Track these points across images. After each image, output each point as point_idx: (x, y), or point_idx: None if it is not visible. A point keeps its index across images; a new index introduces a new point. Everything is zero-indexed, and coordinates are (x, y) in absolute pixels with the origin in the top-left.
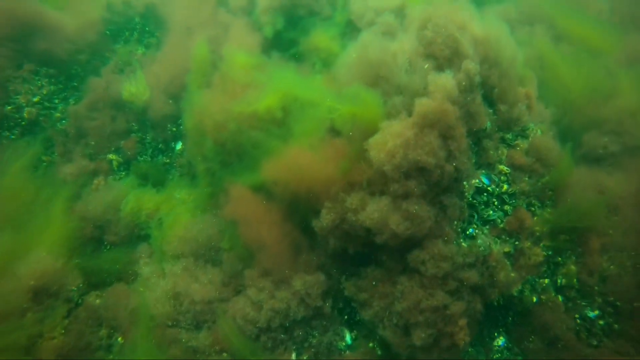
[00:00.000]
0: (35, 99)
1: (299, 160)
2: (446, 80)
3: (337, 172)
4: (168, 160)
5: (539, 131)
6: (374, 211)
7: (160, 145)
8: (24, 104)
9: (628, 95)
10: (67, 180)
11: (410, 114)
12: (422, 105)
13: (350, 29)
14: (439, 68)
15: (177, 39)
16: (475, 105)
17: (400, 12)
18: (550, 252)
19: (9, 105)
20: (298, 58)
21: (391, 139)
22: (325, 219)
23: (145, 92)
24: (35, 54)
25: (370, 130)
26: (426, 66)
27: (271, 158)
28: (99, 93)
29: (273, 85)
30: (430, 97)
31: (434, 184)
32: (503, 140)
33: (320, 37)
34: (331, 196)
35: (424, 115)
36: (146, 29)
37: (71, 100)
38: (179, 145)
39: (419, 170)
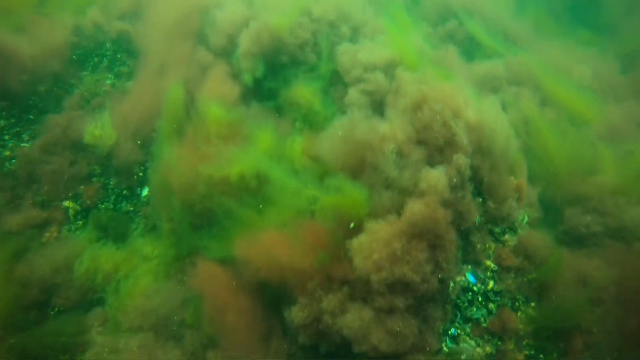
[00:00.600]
0: None
1: (273, 245)
2: (438, 180)
3: (314, 264)
4: (132, 208)
5: (525, 218)
6: (355, 320)
7: (124, 192)
8: None
9: (609, 172)
10: (12, 233)
11: (398, 214)
12: (413, 213)
13: (335, 81)
14: (430, 157)
15: (149, 76)
16: (465, 203)
17: (389, 70)
18: (532, 352)
19: None
20: (279, 110)
21: (377, 249)
22: (297, 316)
23: (110, 137)
24: None
25: (354, 219)
26: (416, 158)
27: (243, 235)
28: (56, 133)
29: (248, 158)
30: (420, 199)
31: (419, 297)
32: (491, 232)
33: (302, 91)
34: (307, 291)
35: (413, 223)
36: (117, 56)
37: (25, 136)
38: (145, 192)
39: (405, 284)
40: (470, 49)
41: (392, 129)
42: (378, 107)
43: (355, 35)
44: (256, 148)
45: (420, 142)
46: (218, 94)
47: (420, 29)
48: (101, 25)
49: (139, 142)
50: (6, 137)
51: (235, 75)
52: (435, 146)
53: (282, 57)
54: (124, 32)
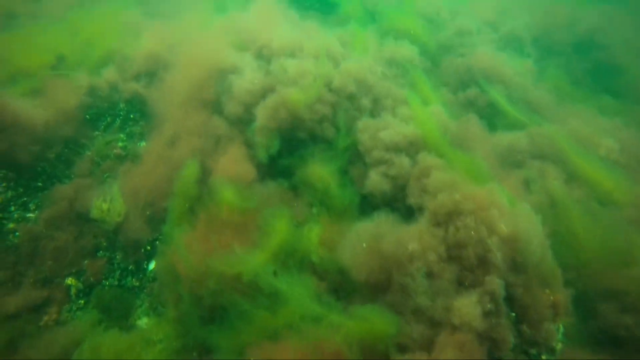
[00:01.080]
0: None
1: None
2: (471, 313)
3: None
4: (138, 284)
5: (561, 328)
6: None
7: (130, 267)
8: None
9: None
10: (9, 316)
11: (428, 350)
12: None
13: (355, 158)
14: (461, 275)
15: (161, 145)
16: (499, 330)
17: (412, 148)
18: None
19: None
20: (295, 188)
21: None
22: None
23: (119, 213)
24: None
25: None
26: (447, 278)
27: (256, 341)
28: (63, 206)
29: (260, 260)
30: (452, 336)
31: None
32: (526, 353)
33: (318, 172)
34: None
35: None
36: (130, 117)
37: (31, 205)
38: (152, 265)
39: None
40: (492, 117)
41: (422, 247)
42: (401, 190)
43: (375, 107)
44: (271, 246)
45: (451, 258)
46: (232, 174)
47: (440, 95)
48: (116, 85)
49: (147, 213)
50: (12, 208)
51: (249, 146)
52: (468, 266)
53: (300, 133)
54: (138, 93)
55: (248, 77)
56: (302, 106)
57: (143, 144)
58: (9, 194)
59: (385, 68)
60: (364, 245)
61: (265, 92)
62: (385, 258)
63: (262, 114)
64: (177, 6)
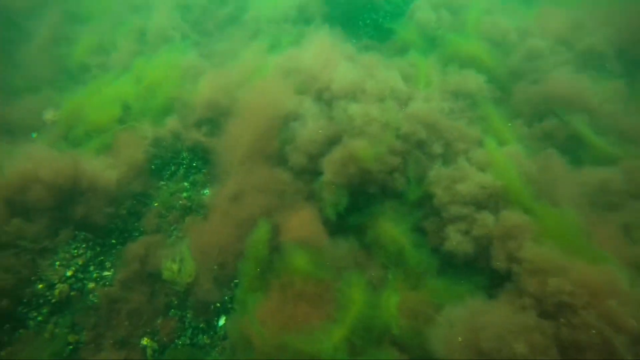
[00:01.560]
0: (69, 273)
1: None
2: None
3: None
4: (209, 341)
5: None
6: None
7: (201, 325)
8: (56, 281)
9: None
10: None
11: None
12: None
13: (428, 209)
14: None
15: (226, 202)
16: None
17: (493, 201)
18: None
19: (41, 283)
20: (367, 247)
21: None
22: None
23: (190, 274)
24: (74, 219)
25: None
26: None
27: None
28: (135, 268)
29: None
30: None
31: None
32: None
33: (390, 232)
34: None
35: None
36: (193, 165)
37: (107, 263)
38: (222, 321)
39: None
40: (575, 150)
41: (530, 347)
42: (484, 251)
43: (447, 151)
44: (348, 321)
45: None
46: (302, 236)
47: (514, 129)
48: (178, 134)
49: (217, 273)
50: (91, 268)
51: (316, 199)
52: None
53: (370, 187)
54: (200, 142)
55: (310, 126)
56: (371, 160)
57: (207, 191)
58: (89, 254)
59: (452, 101)
60: (460, 339)
61: (330, 141)
62: (487, 355)
63: (329, 169)
64: (231, 44)
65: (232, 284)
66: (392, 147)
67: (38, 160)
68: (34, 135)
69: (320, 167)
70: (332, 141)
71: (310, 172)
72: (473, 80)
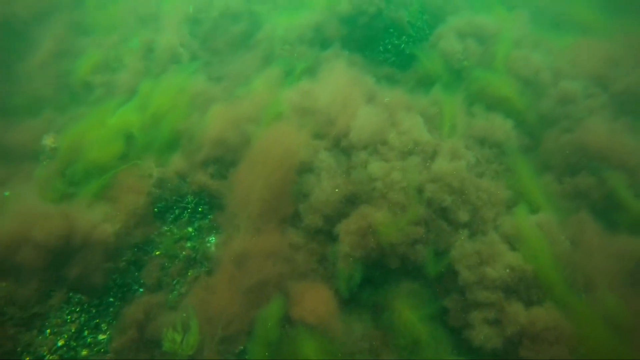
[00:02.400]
0: (60, 342)
1: None
2: None
3: None
4: None
5: None
6: None
7: None
8: (45, 352)
9: None
10: None
11: None
12: None
13: (451, 286)
14: None
15: (233, 265)
16: None
17: (523, 286)
18: None
19: (28, 355)
20: (383, 329)
21: None
22: None
23: (192, 345)
24: (68, 279)
25: None
26: None
27: None
28: (132, 335)
29: None
30: None
31: None
32: None
33: (406, 317)
34: None
35: None
36: (199, 209)
37: (103, 325)
38: None
39: None
40: (611, 213)
41: None
42: (512, 345)
43: (474, 218)
44: None
45: None
46: (313, 316)
47: (543, 185)
48: (184, 175)
49: (220, 337)
50: (85, 333)
51: (330, 262)
52: None
53: (388, 260)
54: (206, 186)
55: (326, 186)
56: (392, 235)
57: (212, 239)
58: (83, 318)
59: (477, 149)
60: None
61: (347, 200)
62: None
63: (345, 240)
64: (243, 66)
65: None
66: (415, 215)
67: (29, 218)
68: (7, 193)
69: (336, 230)
70: (350, 200)
71: (326, 233)
72: (500, 128)
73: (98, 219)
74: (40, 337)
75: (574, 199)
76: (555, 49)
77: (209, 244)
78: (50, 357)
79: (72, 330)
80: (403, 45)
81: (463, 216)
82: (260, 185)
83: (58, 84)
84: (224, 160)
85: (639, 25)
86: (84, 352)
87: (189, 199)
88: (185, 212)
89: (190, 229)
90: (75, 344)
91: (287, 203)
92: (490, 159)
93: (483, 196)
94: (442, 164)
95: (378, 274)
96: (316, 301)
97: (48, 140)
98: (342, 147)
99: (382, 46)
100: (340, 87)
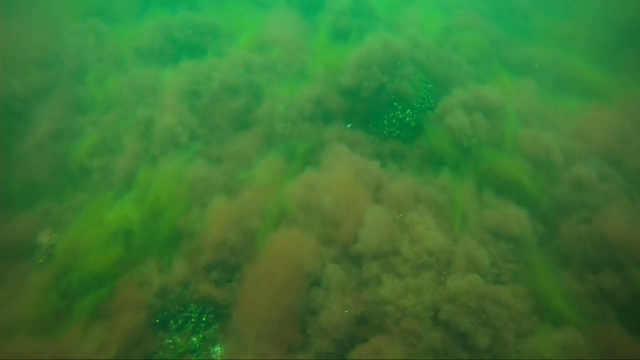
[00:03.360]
0: None
1: None
2: None
3: None
4: None
5: None
6: None
7: None
8: None
9: None
10: None
11: None
12: None
13: None
14: None
15: None
16: None
17: None
18: None
19: None
20: None
21: None
22: None
23: None
24: None
25: None
26: None
27: None
28: None
29: None
30: None
31: None
32: None
33: None
34: None
35: None
36: (203, 319)
37: None
38: None
39: None
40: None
41: None
42: None
43: (494, 342)
44: None
45: None
46: None
47: (563, 284)
48: (186, 283)
49: None
50: None
51: None
52: None
53: None
54: (210, 294)
55: (335, 309)
56: None
57: (218, 349)
58: None
59: (492, 244)
60: None
61: (358, 320)
62: None
63: None
64: (243, 146)
65: None
66: (431, 346)
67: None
68: None
69: (348, 354)
70: (362, 320)
71: (338, 355)
72: (515, 219)
73: (93, 348)
74: None
75: (598, 301)
76: (562, 120)
77: (214, 355)
78: None
79: None
80: (408, 119)
81: (483, 341)
82: (267, 304)
83: (55, 167)
84: (228, 264)
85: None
86: None
87: (192, 308)
88: (189, 322)
89: (194, 339)
90: None
91: (296, 323)
92: (506, 257)
93: (503, 314)
94: (457, 281)
95: None
96: None
97: (44, 238)
98: (352, 255)
99: (387, 119)
100: (345, 183)
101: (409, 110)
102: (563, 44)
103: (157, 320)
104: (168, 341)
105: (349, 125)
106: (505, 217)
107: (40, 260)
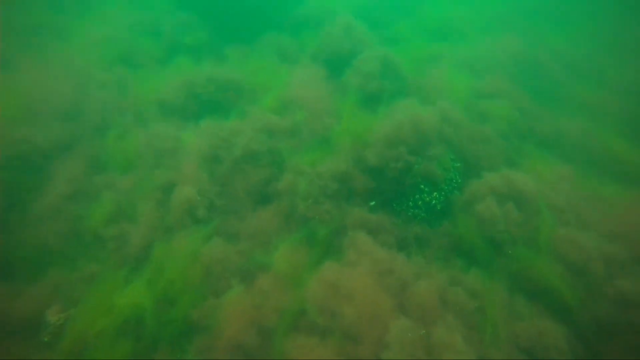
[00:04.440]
0: None
1: None
2: None
3: None
4: None
5: None
6: None
7: None
8: None
9: None
10: None
11: None
12: None
13: None
14: None
15: None
16: None
17: None
18: None
19: None
20: None
21: None
22: None
23: None
24: None
25: None
26: None
27: None
28: None
29: None
30: None
31: None
32: None
33: None
34: None
35: None
36: None
37: None
38: None
39: None
40: None
41: None
42: None
43: None
44: None
45: None
46: None
47: None
48: None
49: None
50: None
51: None
52: None
53: None
54: None
55: None
56: None
57: None
58: None
59: None
60: None
61: None
62: None
63: None
64: (262, 223)
65: None
66: None
67: None
68: None
69: None
70: None
71: None
72: (551, 340)
73: None
74: None
75: None
76: (601, 214)
77: None
78: None
79: None
80: (434, 201)
81: None
82: None
83: (69, 232)
84: None
85: None
86: None
87: None
88: None
89: None
90: None
91: None
92: None
93: None
94: None
95: None
96: None
97: (52, 317)
98: None
99: (412, 201)
100: (367, 291)
101: (435, 194)
102: (594, 115)
103: None
104: None
105: (373, 203)
106: (540, 334)
107: (46, 339)
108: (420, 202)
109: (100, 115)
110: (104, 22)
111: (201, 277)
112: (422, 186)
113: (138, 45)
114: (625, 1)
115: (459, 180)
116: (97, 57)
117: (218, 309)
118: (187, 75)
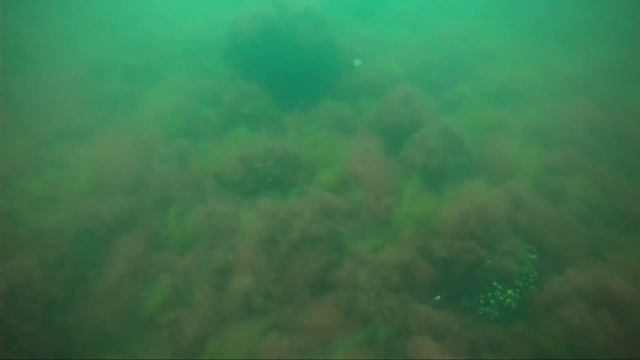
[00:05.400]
0: None
1: None
2: None
3: None
4: None
5: None
6: None
7: None
8: None
9: None
10: None
11: None
12: None
13: None
14: None
15: None
16: None
17: None
18: None
19: None
20: None
21: None
22: None
23: None
24: None
25: None
26: None
27: None
28: None
29: None
30: None
31: None
32: None
33: None
34: None
35: None
36: None
37: None
38: None
39: None
40: None
41: None
42: None
43: None
44: None
45: None
46: None
47: None
48: None
49: None
50: None
51: None
52: None
53: None
54: None
55: None
56: None
57: None
58: None
59: None
60: None
61: None
62: None
63: None
64: (321, 321)
65: None
66: None
67: None
68: None
69: None
70: None
71: None
72: None
73: None
74: None
75: None
76: None
77: None
78: None
79: None
80: (509, 300)
81: None
82: None
83: (126, 314)
84: None
85: None
86: None
87: None
88: None
89: None
90: None
91: None
92: None
93: None
94: None
95: None
96: None
97: None
98: None
99: (483, 299)
100: None
101: (510, 292)
102: None
103: None
104: None
105: (438, 297)
106: None
107: None
108: (492, 301)
109: (162, 190)
110: (170, 92)
111: None
112: (495, 284)
113: (199, 115)
114: None
115: (536, 274)
116: (162, 127)
117: None
118: (246, 147)
